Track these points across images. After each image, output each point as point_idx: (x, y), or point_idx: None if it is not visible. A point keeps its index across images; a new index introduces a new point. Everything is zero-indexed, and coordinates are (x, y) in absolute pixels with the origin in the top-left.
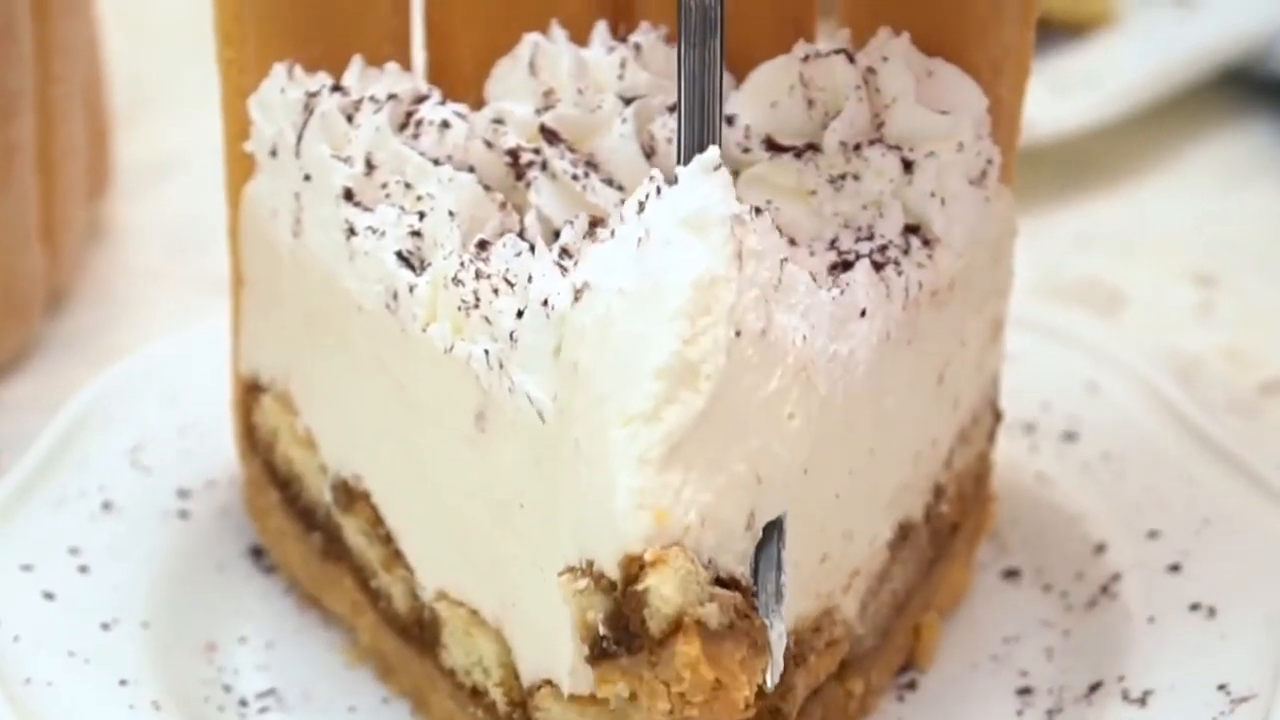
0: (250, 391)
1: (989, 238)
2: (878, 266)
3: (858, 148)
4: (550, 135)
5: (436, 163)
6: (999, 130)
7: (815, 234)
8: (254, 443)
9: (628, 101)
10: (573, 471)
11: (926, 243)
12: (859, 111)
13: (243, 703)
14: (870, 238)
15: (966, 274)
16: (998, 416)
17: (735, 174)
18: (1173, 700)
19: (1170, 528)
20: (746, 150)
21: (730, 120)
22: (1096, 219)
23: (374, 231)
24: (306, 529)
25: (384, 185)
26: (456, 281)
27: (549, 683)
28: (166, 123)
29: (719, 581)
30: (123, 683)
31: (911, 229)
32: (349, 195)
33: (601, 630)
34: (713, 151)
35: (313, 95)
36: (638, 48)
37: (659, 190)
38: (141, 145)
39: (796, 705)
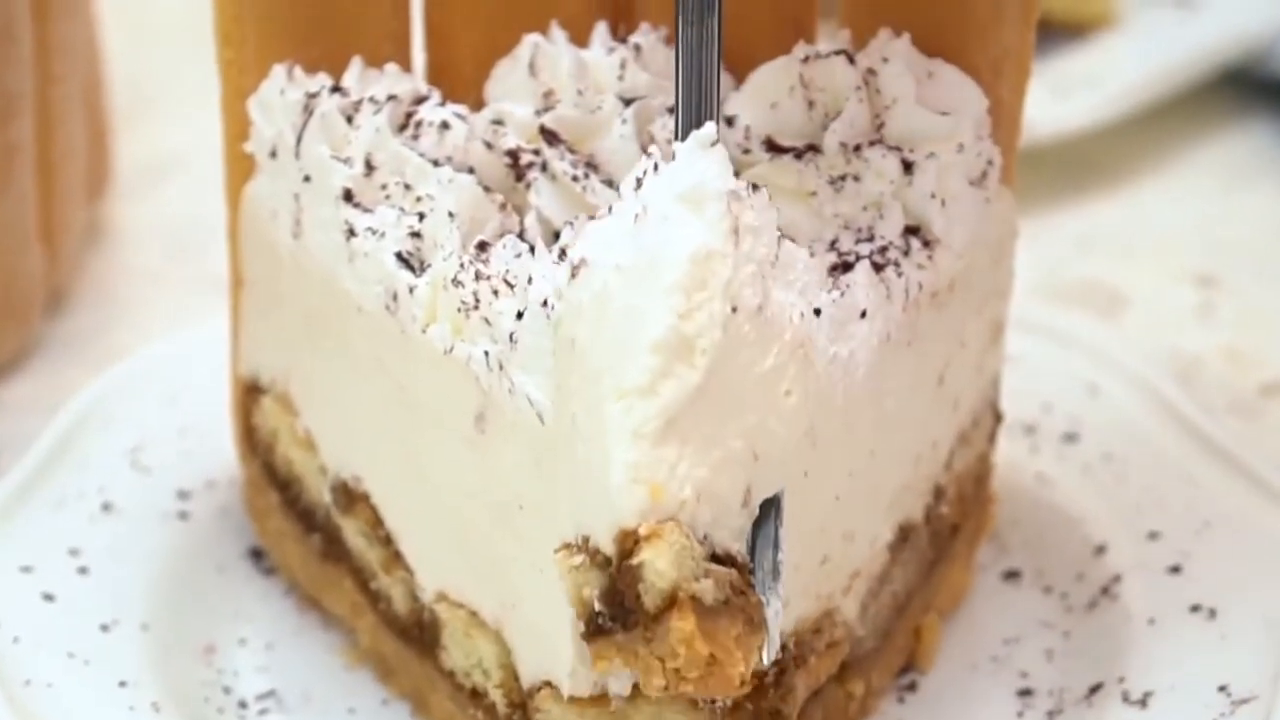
0: (250, 393)
1: (989, 239)
2: (878, 268)
3: (858, 149)
4: (550, 136)
5: (436, 164)
6: (999, 131)
7: (815, 235)
8: (254, 444)
9: (628, 102)
10: (569, 449)
11: (927, 244)
12: (859, 112)
13: (242, 704)
14: (870, 239)
15: (967, 275)
16: (998, 418)
17: (735, 175)
18: (1173, 701)
19: (1171, 529)
20: (747, 151)
21: (730, 121)
22: (1097, 220)
23: (374, 232)
24: (306, 530)
25: (384, 186)
26: (456, 283)
27: (549, 684)
28: (166, 123)
29: (715, 558)
30: (122, 684)
31: (912, 230)
32: (349, 196)
33: (597, 606)
34: (709, 127)
35: (312, 96)
36: (638, 48)
37: (656, 166)
38: (141, 146)
39: (797, 707)
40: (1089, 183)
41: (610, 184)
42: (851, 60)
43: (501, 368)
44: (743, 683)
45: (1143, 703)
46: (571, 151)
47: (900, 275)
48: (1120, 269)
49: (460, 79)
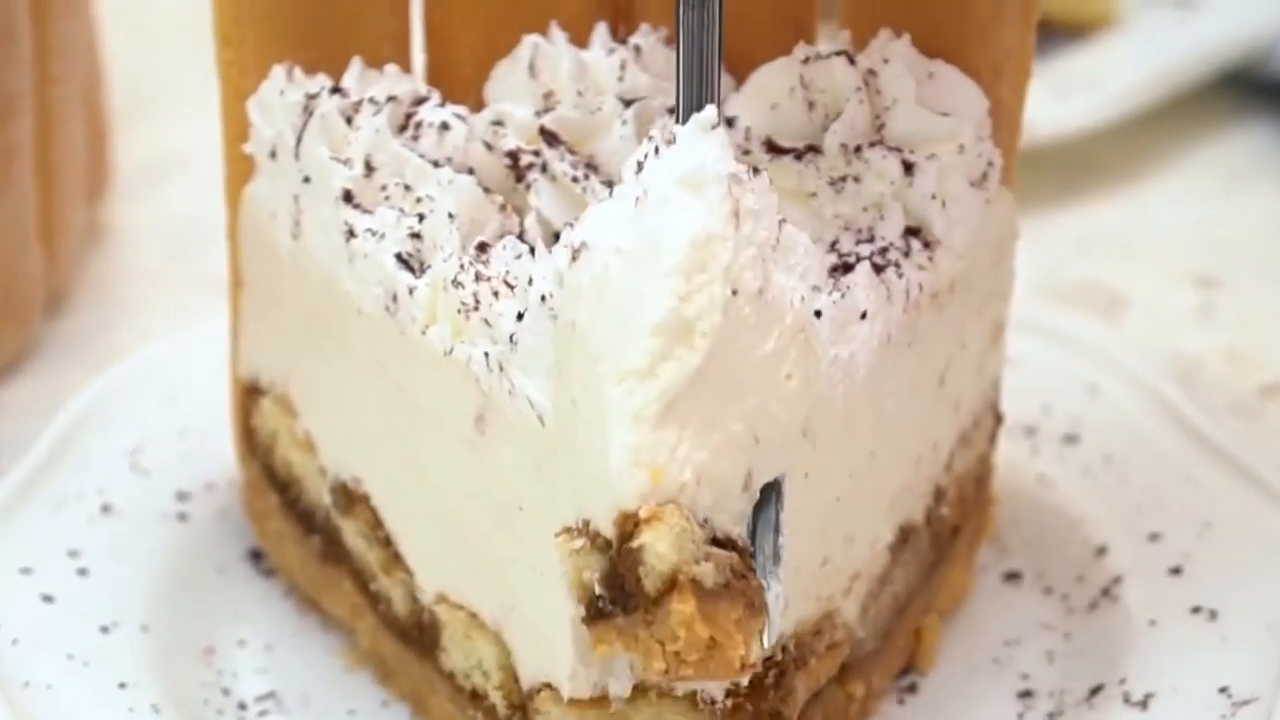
0: (249, 394)
1: (990, 240)
2: (878, 269)
3: (858, 150)
4: (550, 137)
5: (436, 165)
6: (1000, 132)
7: (815, 236)
8: (253, 445)
9: (628, 103)
10: (570, 432)
11: (927, 245)
12: (859, 113)
13: (242, 706)
14: (871, 240)
15: (967, 276)
16: (999, 419)
17: None
18: (1174, 703)
19: (1171, 530)
20: (747, 152)
21: (730, 122)
22: (1097, 221)
23: (373, 234)
24: (306, 532)
25: (383, 187)
26: (456, 284)
27: (548, 686)
28: (166, 124)
29: (715, 542)
30: (122, 686)
31: (912, 231)
32: (348, 197)
33: (597, 590)
34: (710, 110)
35: (312, 97)
36: (638, 49)
37: (657, 150)
38: (141, 146)
39: (797, 708)
40: (1089, 184)
41: (610, 185)
42: (852, 61)
43: (501, 369)
44: (743, 666)
45: (1144, 704)
46: (571, 152)
47: (901, 276)
48: (1120, 270)
49: (460, 80)
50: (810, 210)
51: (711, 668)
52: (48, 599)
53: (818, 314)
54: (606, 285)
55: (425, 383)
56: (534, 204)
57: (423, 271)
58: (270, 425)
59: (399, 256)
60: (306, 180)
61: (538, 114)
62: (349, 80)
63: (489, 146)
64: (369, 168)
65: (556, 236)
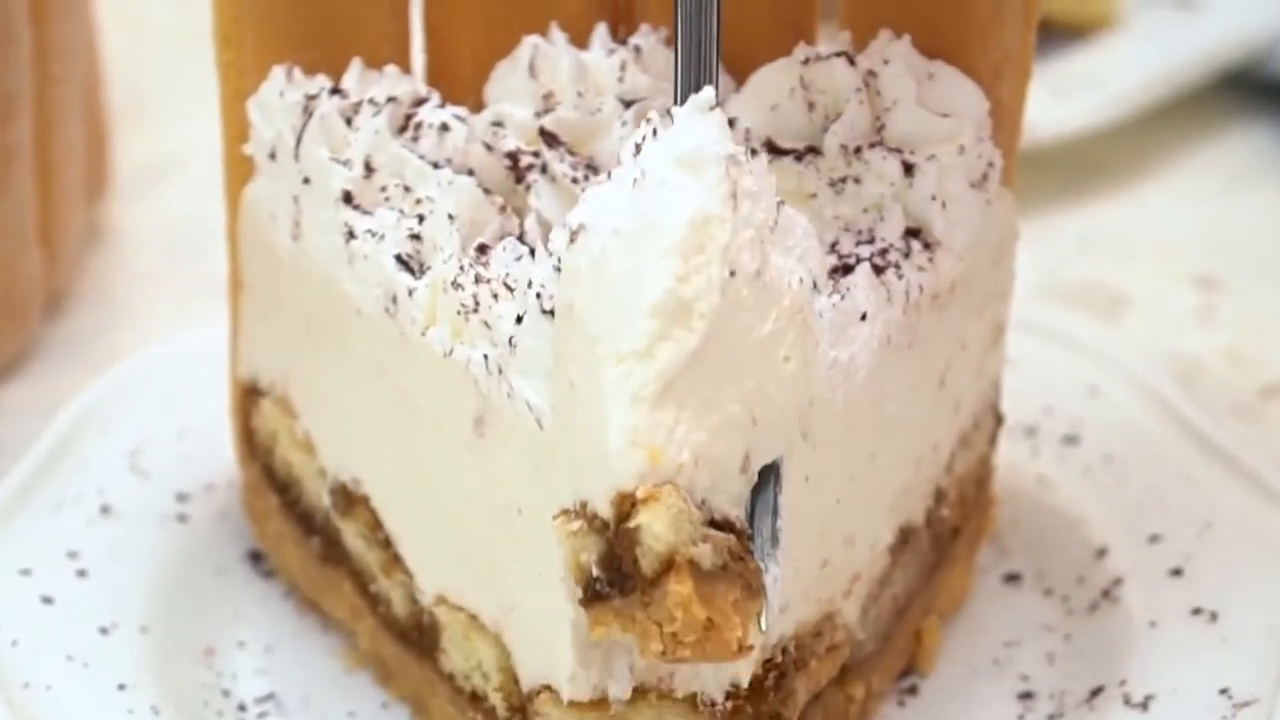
0: (249, 395)
1: (990, 241)
2: (878, 270)
3: (858, 151)
4: (550, 138)
5: (436, 166)
6: (1000, 133)
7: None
8: (253, 446)
9: (628, 104)
10: (568, 415)
11: (927, 246)
12: (860, 114)
13: (241, 707)
14: (871, 241)
15: (967, 277)
16: (999, 420)
17: None
18: (1174, 705)
19: (1172, 531)
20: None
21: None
22: (1098, 222)
23: (373, 235)
24: (305, 533)
25: (383, 188)
26: (456, 285)
27: (548, 688)
28: (165, 125)
29: (713, 523)
30: (121, 687)
31: (912, 232)
32: (348, 198)
33: (595, 572)
34: (708, 91)
35: (312, 98)
36: (638, 50)
37: (655, 132)
38: (140, 147)
39: (797, 710)
40: (1090, 184)
41: None
42: (852, 62)
43: (500, 372)
44: (740, 648)
45: (1144, 706)
46: (571, 153)
47: (901, 277)
48: (1121, 271)
49: (460, 81)
50: (810, 211)
51: (709, 649)
52: (47, 600)
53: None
54: (604, 267)
55: (425, 384)
56: (534, 205)
57: (422, 273)
58: (270, 426)
59: (399, 258)
60: (306, 181)
61: (537, 115)
62: (349, 81)
63: (489, 147)
64: (369, 169)
65: None
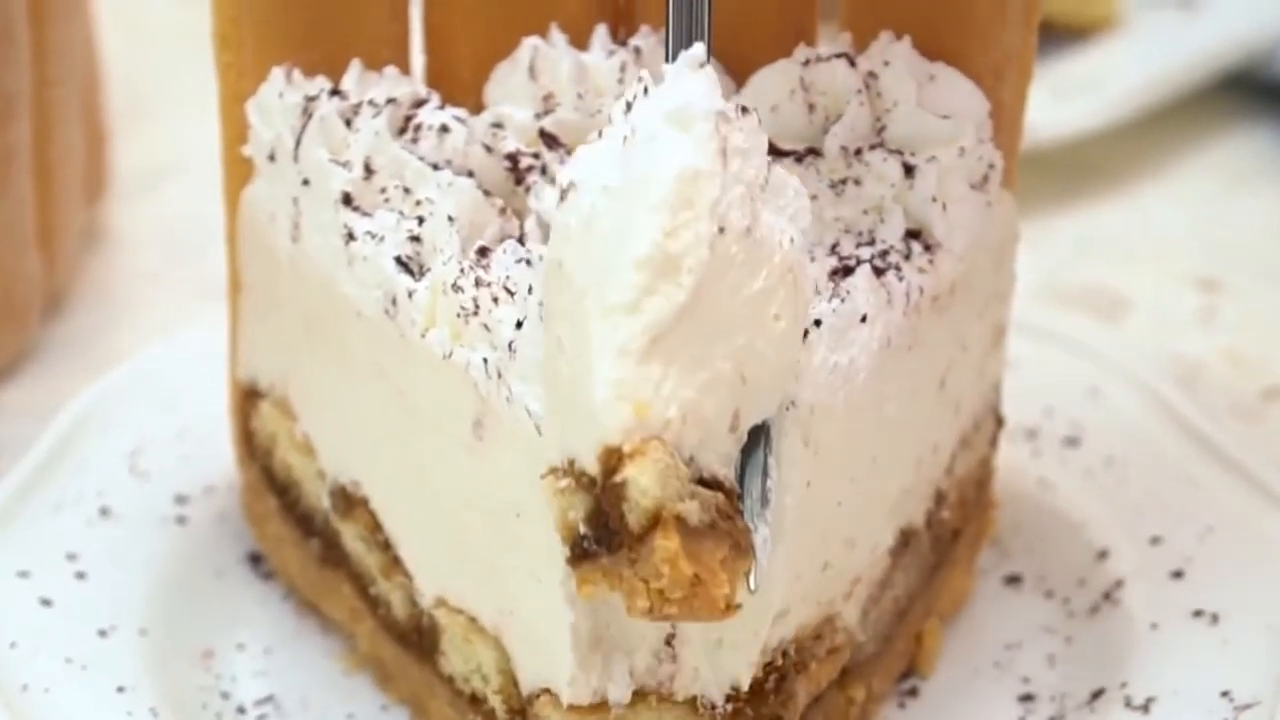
0: (248, 397)
1: (991, 242)
2: (879, 272)
3: (859, 152)
4: (550, 139)
5: (436, 167)
6: (1001, 134)
7: (816, 239)
8: (252, 448)
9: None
10: (555, 372)
11: (928, 248)
12: (860, 116)
13: (240, 710)
14: (871, 243)
15: (968, 279)
16: (999, 422)
17: None
18: (1175, 707)
19: (1173, 533)
20: None
21: None
22: (1098, 223)
23: (373, 236)
24: (305, 535)
25: (383, 190)
26: (456, 288)
27: (548, 691)
28: (164, 126)
29: (702, 482)
30: (120, 689)
31: (913, 234)
32: (348, 200)
33: (582, 529)
34: (698, 48)
35: (311, 99)
36: (638, 51)
37: (646, 89)
38: (139, 149)
39: (798, 713)
40: (1090, 186)
41: None
42: (852, 63)
43: (500, 376)
44: (727, 606)
45: (1145, 708)
46: (571, 155)
47: (901, 279)
48: (1122, 272)
49: (460, 82)
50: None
51: (696, 606)
52: (46, 602)
53: (817, 323)
54: (593, 223)
55: (424, 386)
56: (534, 206)
57: (422, 274)
58: (269, 428)
59: (398, 259)
60: (306, 183)
61: (537, 116)
62: (348, 82)
63: (489, 149)
64: (368, 170)
65: None
